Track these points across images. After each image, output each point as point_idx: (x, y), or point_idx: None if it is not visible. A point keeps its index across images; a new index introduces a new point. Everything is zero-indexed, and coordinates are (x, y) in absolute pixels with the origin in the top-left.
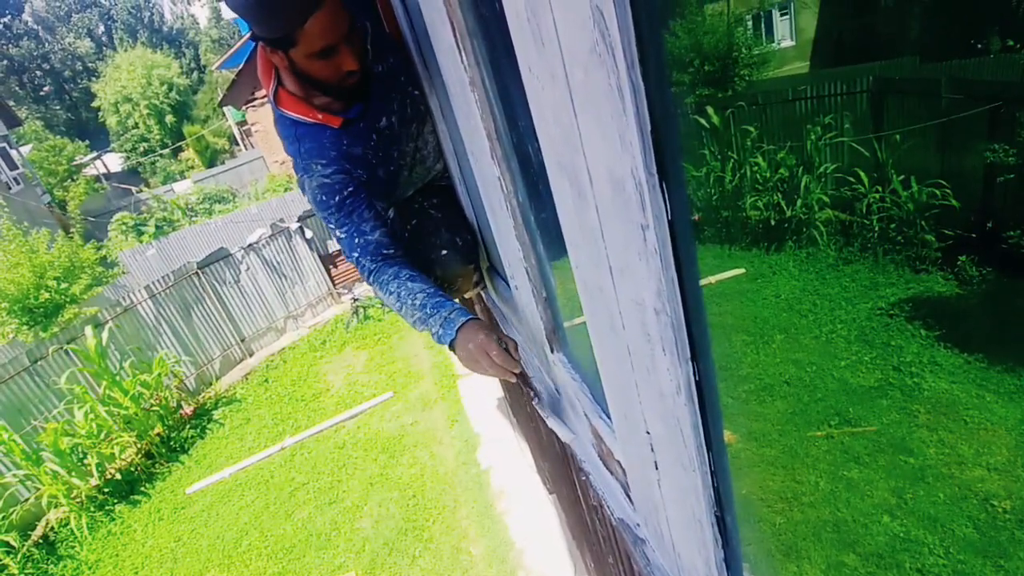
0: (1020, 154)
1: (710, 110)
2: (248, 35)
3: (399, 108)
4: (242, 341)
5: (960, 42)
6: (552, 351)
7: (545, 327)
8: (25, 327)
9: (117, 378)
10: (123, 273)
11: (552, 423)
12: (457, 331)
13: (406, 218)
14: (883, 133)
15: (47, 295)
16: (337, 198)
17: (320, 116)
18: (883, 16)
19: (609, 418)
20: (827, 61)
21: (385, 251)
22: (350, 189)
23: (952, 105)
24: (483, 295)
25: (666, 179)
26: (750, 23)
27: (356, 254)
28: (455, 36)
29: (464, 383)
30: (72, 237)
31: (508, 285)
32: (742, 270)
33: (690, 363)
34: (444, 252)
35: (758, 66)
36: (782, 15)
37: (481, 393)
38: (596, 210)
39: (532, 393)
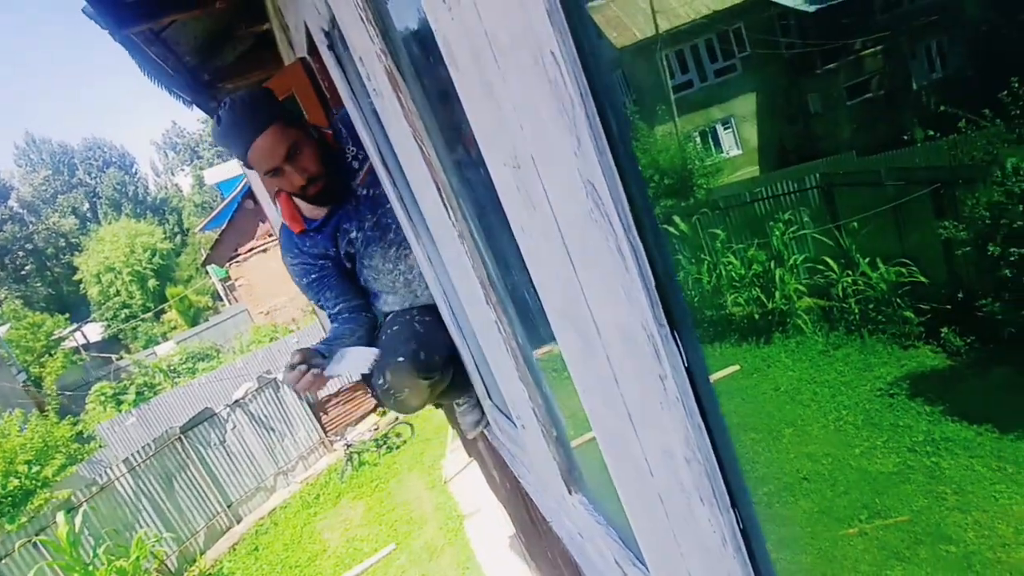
0: (969, 228)
1: (676, 219)
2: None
3: (373, 229)
4: (229, 507)
5: (888, 136)
6: (570, 493)
7: (560, 467)
8: None
9: (90, 568)
10: (100, 447)
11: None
12: None
13: (392, 318)
14: (841, 222)
15: (16, 482)
16: (305, 280)
17: (287, 219)
18: (815, 121)
19: (645, 565)
20: (774, 164)
21: (344, 316)
22: (313, 276)
23: (895, 191)
24: (486, 433)
25: (676, 328)
26: (698, 138)
27: (325, 312)
28: (441, 195)
29: (471, 523)
30: (47, 415)
31: (513, 423)
32: (737, 367)
33: (731, 511)
34: (400, 359)
35: (713, 175)
36: (725, 128)
37: (491, 532)
38: (608, 360)
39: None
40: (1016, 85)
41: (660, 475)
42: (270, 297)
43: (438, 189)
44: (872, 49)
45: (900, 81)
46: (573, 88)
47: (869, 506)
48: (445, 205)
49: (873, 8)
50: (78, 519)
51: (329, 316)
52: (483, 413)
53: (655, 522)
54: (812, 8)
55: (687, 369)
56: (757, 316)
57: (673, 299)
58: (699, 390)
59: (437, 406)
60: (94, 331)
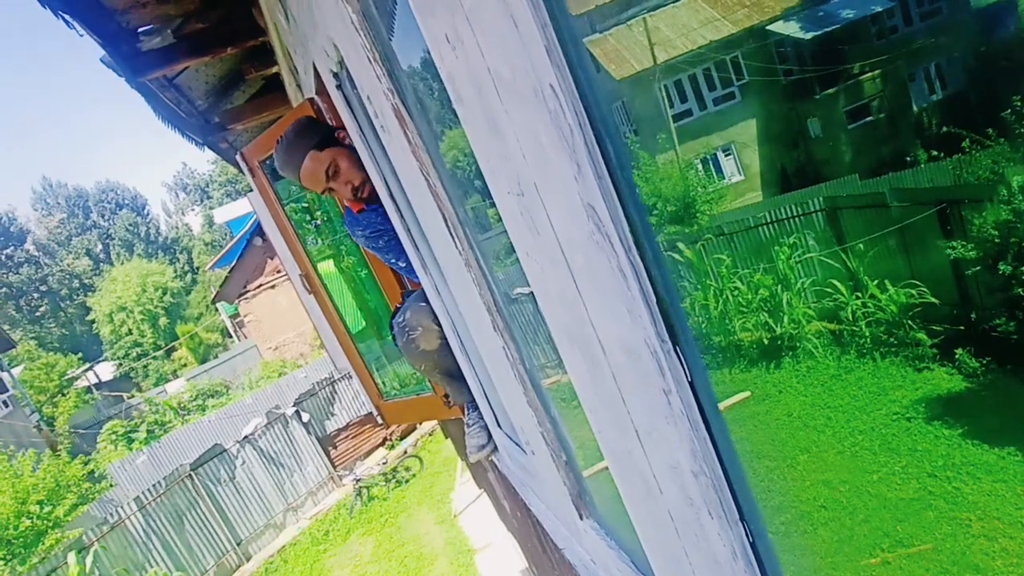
0: (978, 247)
1: (681, 246)
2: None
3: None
4: (238, 545)
5: (890, 158)
6: (582, 518)
7: (570, 492)
8: (1, 562)
9: None
10: (111, 486)
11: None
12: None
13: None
14: (847, 245)
15: (28, 522)
16: (372, 246)
17: (349, 204)
18: (816, 145)
19: None
20: (776, 189)
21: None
22: (380, 242)
23: (901, 212)
24: (496, 462)
25: (678, 344)
26: (700, 166)
27: (396, 269)
28: (447, 225)
29: (482, 558)
30: (59, 455)
31: (523, 450)
32: (747, 393)
33: (740, 524)
34: (422, 304)
35: (716, 201)
36: (726, 155)
37: (503, 567)
38: (613, 378)
39: None
40: (1018, 104)
41: (669, 491)
42: (278, 333)
43: (444, 219)
44: (870, 73)
45: (900, 104)
46: (572, 117)
47: (890, 534)
48: (451, 234)
49: (869, 34)
50: (89, 559)
51: (401, 270)
52: (490, 437)
53: (666, 540)
54: (809, 36)
55: (690, 383)
56: (766, 341)
57: (674, 315)
58: (703, 404)
59: (447, 404)
60: (106, 370)
